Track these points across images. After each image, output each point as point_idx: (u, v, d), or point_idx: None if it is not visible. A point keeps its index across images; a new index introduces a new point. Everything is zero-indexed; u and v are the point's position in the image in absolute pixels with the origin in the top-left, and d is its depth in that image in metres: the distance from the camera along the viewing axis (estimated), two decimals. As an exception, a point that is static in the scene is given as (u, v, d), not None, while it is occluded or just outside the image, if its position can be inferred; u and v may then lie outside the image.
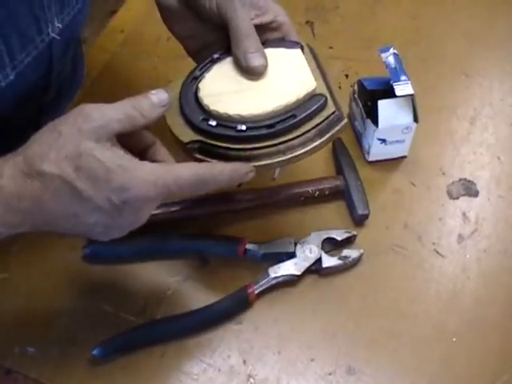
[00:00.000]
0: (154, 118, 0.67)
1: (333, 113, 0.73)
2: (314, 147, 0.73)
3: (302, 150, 0.72)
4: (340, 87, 1.03)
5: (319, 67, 0.78)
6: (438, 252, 0.87)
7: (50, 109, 0.92)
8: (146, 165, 0.64)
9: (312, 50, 0.81)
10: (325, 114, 0.73)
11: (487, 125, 1.01)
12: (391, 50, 0.90)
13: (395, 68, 0.88)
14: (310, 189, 0.88)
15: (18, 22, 0.69)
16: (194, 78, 0.77)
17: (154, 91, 0.68)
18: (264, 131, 0.71)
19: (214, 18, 0.78)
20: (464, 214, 0.90)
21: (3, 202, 0.61)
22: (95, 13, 0.89)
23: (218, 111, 0.72)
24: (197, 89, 0.75)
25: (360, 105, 0.93)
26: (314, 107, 0.72)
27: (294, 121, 0.71)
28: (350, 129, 0.98)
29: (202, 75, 0.77)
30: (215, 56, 0.79)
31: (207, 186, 0.68)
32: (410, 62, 0.92)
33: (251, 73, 0.75)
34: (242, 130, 0.71)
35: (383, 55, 0.90)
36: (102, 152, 0.61)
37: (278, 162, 0.72)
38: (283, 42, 0.80)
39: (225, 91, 0.75)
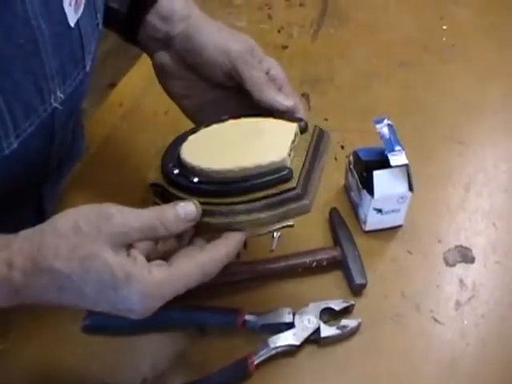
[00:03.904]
0: (177, 232, 0.66)
1: (292, 189, 0.68)
2: (259, 219, 0.68)
3: (245, 218, 0.67)
4: (336, 158, 1.05)
5: (315, 150, 0.74)
6: (436, 319, 0.87)
7: (51, 179, 0.94)
8: (154, 276, 0.63)
9: (322, 133, 0.77)
10: (282, 187, 0.68)
11: (482, 191, 1.02)
12: (385, 121, 0.91)
13: (389, 138, 0.90)
14: (307, 259, 0.89)
15: (23, 92, 0.70)
16: (192, 132, 0.78)
17: (182, 203, 0.67)
18: (212, 187, 0.69)
19: (218, 74, 0.80)
20: (461, 281, 0.91)
21: (12, 290, 0.63)
22: (94, 84, 0.90)
23: (185, 160, 0.72)
24: (185, 140, 0.76)
25: (356, 176, 0.94)
26: (270, 177, 0.68)
27: (244, 185, 0.68)
28: (347, 199, 0.99)
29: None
30: (223, 117, 0.79)
31: (212, 276, 0.68)
32: (405, 130, 0.93)
33: (287, 110, 0.77)
34: (193, 182, 0.69)
35: (377, 126, 0.91)
36: (114, 258, 0.62)
37: (220, 223, 0.68)
38: (289, 117, 0.77)
39: (205, 145, 0.75)
